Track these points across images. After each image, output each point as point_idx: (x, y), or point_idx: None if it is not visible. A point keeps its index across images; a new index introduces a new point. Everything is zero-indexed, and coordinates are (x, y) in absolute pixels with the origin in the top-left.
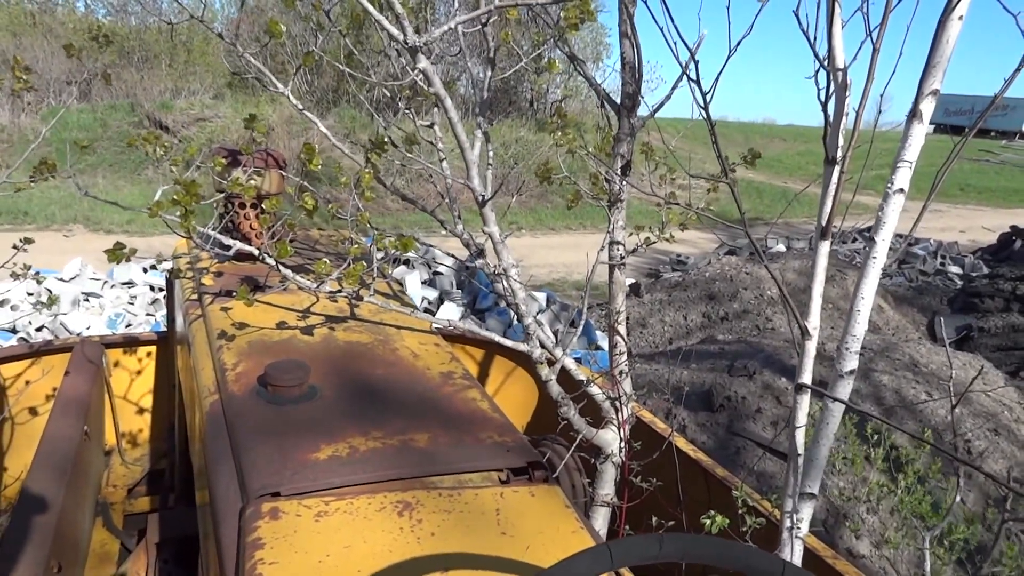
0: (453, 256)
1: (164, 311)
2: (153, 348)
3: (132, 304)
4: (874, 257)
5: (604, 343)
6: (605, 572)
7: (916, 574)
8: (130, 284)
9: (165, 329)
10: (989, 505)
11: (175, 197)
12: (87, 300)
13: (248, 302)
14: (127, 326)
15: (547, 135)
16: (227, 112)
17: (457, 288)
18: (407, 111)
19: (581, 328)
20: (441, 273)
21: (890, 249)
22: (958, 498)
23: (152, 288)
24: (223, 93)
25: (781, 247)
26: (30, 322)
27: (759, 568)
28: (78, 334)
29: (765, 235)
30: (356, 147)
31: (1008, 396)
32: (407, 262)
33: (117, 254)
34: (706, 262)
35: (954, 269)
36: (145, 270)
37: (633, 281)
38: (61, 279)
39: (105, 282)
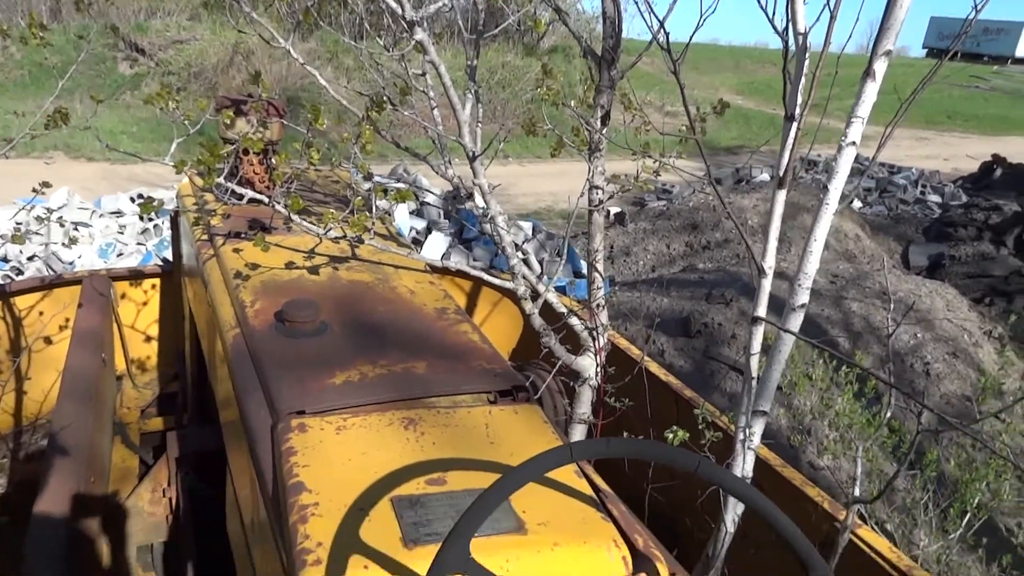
0: (435, 194)
1: (155, 241)
2: (157, 280)
3: (122, 234)
4: (827, 204)
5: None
6: (566, 464)
7: (851, 477)
8: (118, 214)
9: (161, 261)
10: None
11: (200, 157)
12: (76, 230)
13: (264, 247)
14: (118, 255)
15: (534, 60)
16: (205, 34)
17: (445, 218)
18: (387, 49)
19: (565, 258)
20: (429, 203)
21: (871, 178)
22: (888, 413)
23: (141, 218)
24: (199, 14)
25: (765, 176)
26: (20, 251)
27: (681, 463)
28: (70, 263)
29: (748, 165)
30: (339, 70)
31: (970, 321)
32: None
33: (148, 207)
34: (690, 192)
35: (934, 198)
36: (132, 199)
37: (618, 210)
38: (48, 208)
39: (93, 211)
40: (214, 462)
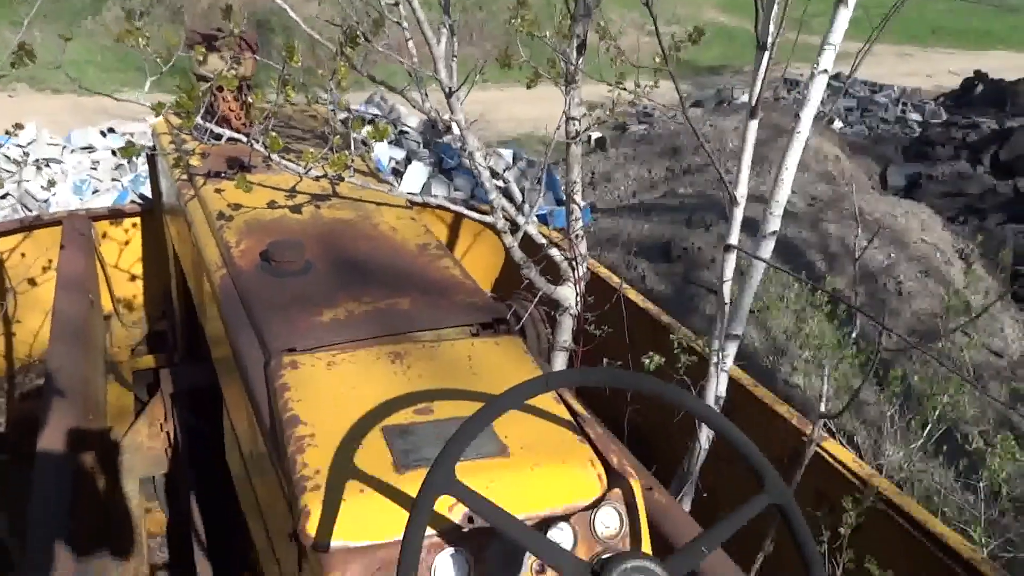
0: (411, 127)
1: (130, 177)
2: (138, 220)
3: (95, 170)
4: (798, 132)
5: None
6: (543, 393)
7: (819, 394)
8: (90, 149)
9: (138, 198)
10: (920, 339)
11: (179, 101)
12: (47, 166)
13: (245, 188)
14: (94, 192)
15: None
16: None
17: (424, 147)
18: None
19: (546, 186)
20: (407, 133)
21: (853, 97)
22: (855, 334)
23: (114, 153)
24: None
25: (747, 97)
26: None
27: (647, 388)
28: (44, 201)
29: (730, 86)
30: None
31: (943, 241)
32: (372, 122)
33: (129, 151)
34: (671, 115)
35: (914, 116)
36: (103, 133)
37: (599, 135)
38: (19, 145)
39: (64, 147)
40: (208, 397)
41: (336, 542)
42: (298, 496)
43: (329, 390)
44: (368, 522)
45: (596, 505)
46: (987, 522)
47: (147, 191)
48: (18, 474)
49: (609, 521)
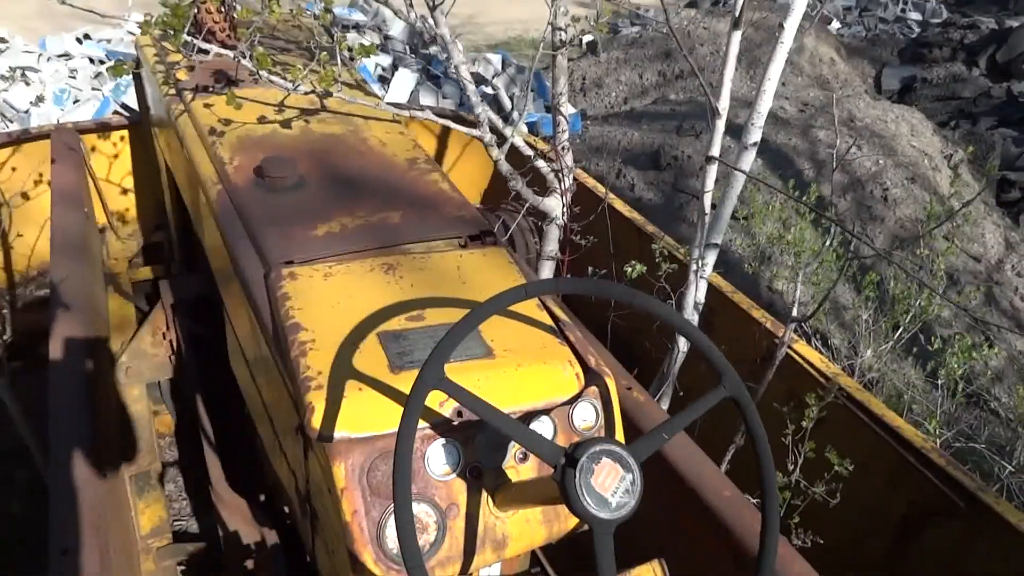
0: (398, 39)
1: (111, 86)
2: (126, 132)
3: (74, 79)
4: (781, 42)
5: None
6: (523, 300)
7: (793, 297)
8: (67, 56)
9: (121, 107)
10: (897, 246)
11: (165, 19)
12: (23, 75)
13: (236, 105)
14: (75, 102)
15: None
16: None
17: (411, 54)
18: None
19: (535, 92)
20: (392, 37)
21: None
22: (828, 242)
23: (92, 61)
24: None
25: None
26: None
27: (617, 296)
28: (25, 111)
29: None
30: None
31: (932, 146)
32: (357, 27)
33: (119, 70)
34: (661, 21)
35: (914, 16)
36: (79, 40)
37: (591, 38)
38: (11, 67)
39: (40, 55)
40: (206, 306)
41: (339, 434)
42: (303, 395)
43: (327, 299)
44: (366, 416)
45: (574, 401)
46: (946, 416)
47: (129, 100)
48: (30, 380)
49: (586, 415)
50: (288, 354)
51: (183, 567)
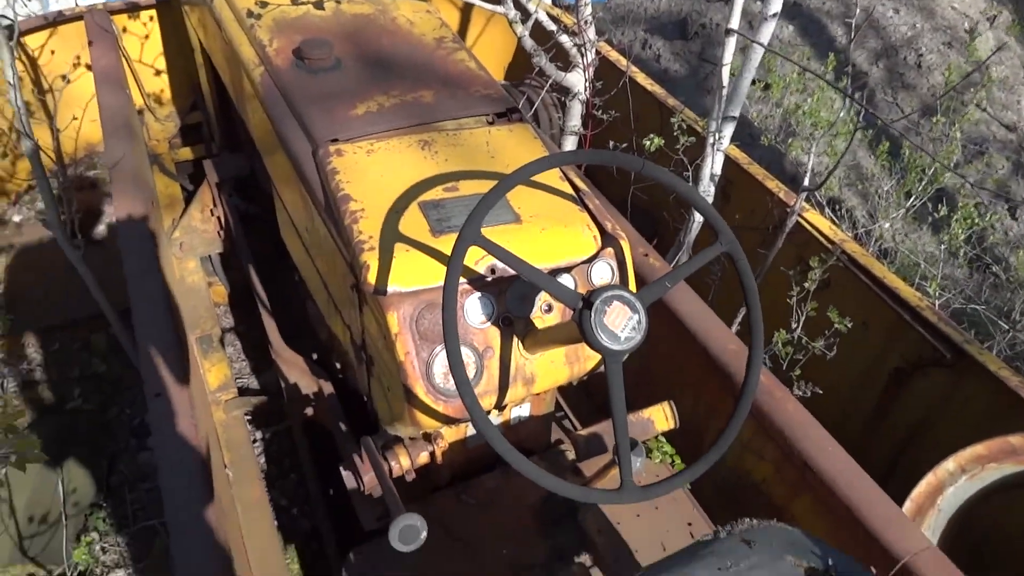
0: None
1: None
2: (154, 12)
3: None
4: None
5: None
6: (546, 170)
7: (806, 170)
8: None
9: None
10: (924, 114)
11: None
12: None
13: None
14: None
15: None
16: None
17: None
18: None
19: None
20: None
21: None
22: (842, 113)
23: None
24: None
25: None
26: None
27: (627, 164)
28: None
29: None
30: None
31: (975, 7)
32: None
33: None
34: None
35: None
36: None
37: None
38: None
39: None
40: (249, 183)
41: (391, 288)
42: (357, 256)
43: (371, 173)
44: (414, 273)
45: (592, 260)
46: (951, 281)
47: None
48: (96, 254)
49: (602, 273)
50: (341, 222)
51: (249, 417)
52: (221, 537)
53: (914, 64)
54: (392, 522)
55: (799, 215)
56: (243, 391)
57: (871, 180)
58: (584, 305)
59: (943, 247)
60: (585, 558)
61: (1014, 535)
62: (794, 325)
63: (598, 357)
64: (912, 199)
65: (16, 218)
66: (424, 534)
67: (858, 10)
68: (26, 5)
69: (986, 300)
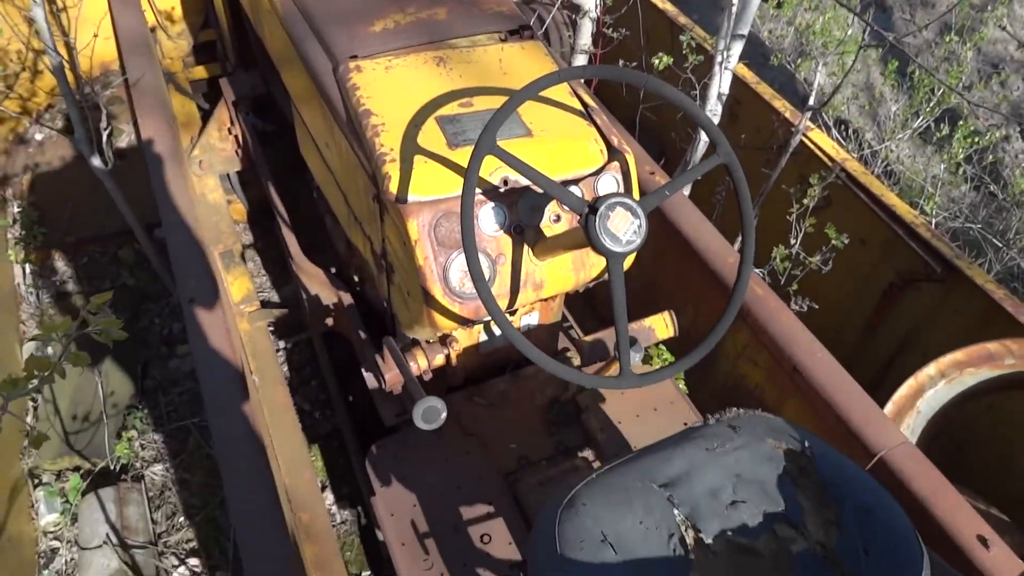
0: None
1: None
2: None
3: None
4: None
5: None
6: (555, 84)
7: (811, 89)
8: None
9: None
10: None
11: None
12: None
13: None
14: None
15: None
16: None
17: None
18: None
19: None
20: None
21: None
22: (850, 32)
23: None
24: None
25: None
26: None
27: (632, 80)
28: None
29: None
30: None
31: None
32: None
33: None
34: None
35: None
36: None
37: None
38: None
39: None
40: (264, 101)
41: (411, 197)
42: (379, 167)
43: (389, 89)
44: (433, 183)
45: (599, 173)
46: (950, 200)
47: None
48: (120, 173)
49: (608, 184)
50: (363, 135)
51: (271, 327)
52: (256, 431)
53: None
54: (415, 404)
55: (803, 134)
56: (264, 304)
57: (881, 101)
58: (590, 211)
59: (942, 167)
60: (588, 453)
61: (987, 439)
62: (792, 241)
63: (602, 265)
64: (920, 119)
65: (38, 136)
66: (444, 415)
67: None
68: None
69: (985, 220)
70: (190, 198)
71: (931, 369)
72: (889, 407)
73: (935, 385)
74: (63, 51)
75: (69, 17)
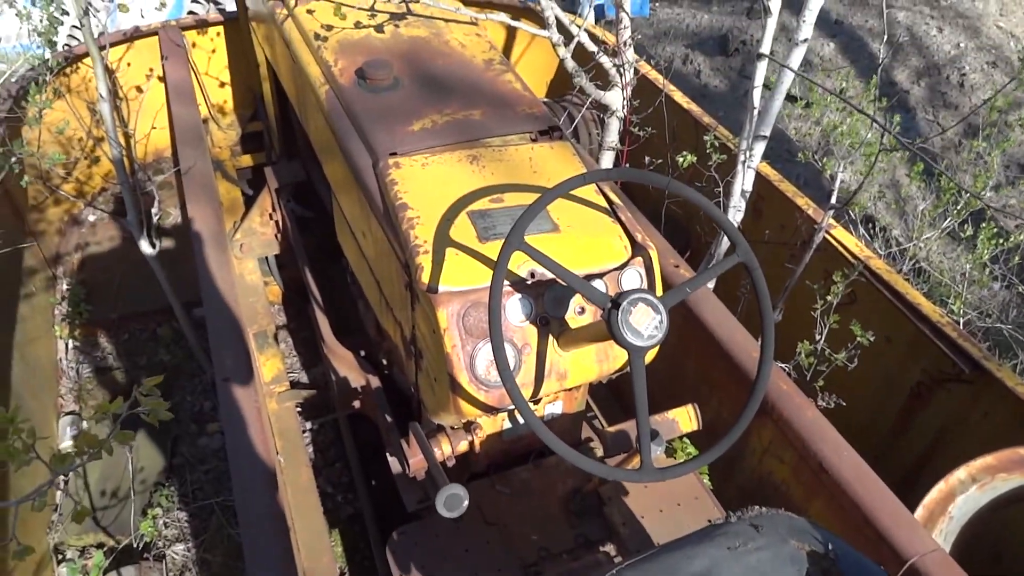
0: None
1: None
2: (221, 28)
3: None
4: None
5: None
6: (583, 185)
7: (833, 188)
8: None
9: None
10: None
11: None
12: None
13: (338, 14)
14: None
15: None
16: None
17: None
18: None
19: None
20: None
21: None
22: (871, 133)
23: None
24: None
25: None
26: None
27: (655, 182)
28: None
29: None
30: None
31: (1021, 26)
32: None
33: None
34: None
35: None
36: None
37: None
38: None
39: None
40: (305, 190)
41: (442, 287)
42: (413, 258)
43: (425, 184)
44: (463, 274)
45: (623, 268)
46: (979, 299)
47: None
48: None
49: (632, 279)
50: (399, 227)
51: (299, 408)
52: (282, 512)
53: (957, 83)
54: (439, 491)
55: (826, 231)
56: (294, 384)
57: (908, 200)
58: (612, 306)
59: (968, 267)
60: (609, 547)
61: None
62: (817, 337)
63: (625, 357)
64: (948, 220)
65: (91, 218)
66: (466, 503)
67: (894, 28)
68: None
69: (1016, 320)
70: (231, 280)
71: (962, 473)
72: (920, 511)
73: (967, 490)
74: (122, 140)
75: (130, 109)
